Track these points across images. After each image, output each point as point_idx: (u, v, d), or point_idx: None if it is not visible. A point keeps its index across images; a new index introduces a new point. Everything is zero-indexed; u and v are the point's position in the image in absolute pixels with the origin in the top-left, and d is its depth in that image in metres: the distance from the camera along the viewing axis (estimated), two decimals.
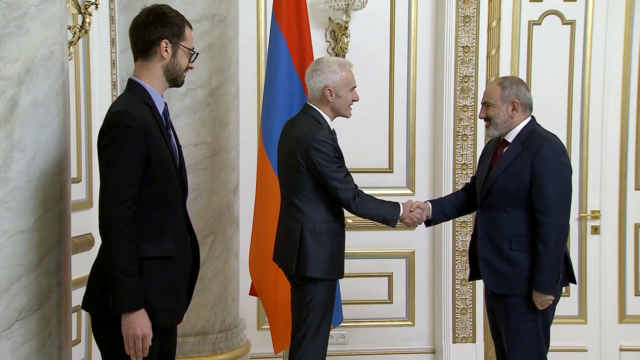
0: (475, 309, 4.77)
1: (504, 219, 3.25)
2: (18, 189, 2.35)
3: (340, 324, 4.06)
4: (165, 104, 2.57)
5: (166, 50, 2.48)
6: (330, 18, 4.75)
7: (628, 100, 4.89)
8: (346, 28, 4.69)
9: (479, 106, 3.46)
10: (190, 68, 2.59)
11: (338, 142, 3.30)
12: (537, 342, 3.24)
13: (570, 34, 4.84)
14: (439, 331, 4.85)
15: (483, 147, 3.65)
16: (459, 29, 4.70)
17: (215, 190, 4.06)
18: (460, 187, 4.25)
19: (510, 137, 3.30)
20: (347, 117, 3.41)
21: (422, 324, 4.96)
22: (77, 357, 3.60)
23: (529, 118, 3.32)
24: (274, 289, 3.90)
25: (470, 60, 4.72)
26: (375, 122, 4.84)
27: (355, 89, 3.36)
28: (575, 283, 3.43)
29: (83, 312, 3.35)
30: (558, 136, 3.32)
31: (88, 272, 2.49)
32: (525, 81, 3.49)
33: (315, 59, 3.55)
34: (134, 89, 2.49)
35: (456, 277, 4.77)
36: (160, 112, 2.51)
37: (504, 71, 4.70)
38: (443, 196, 4.24)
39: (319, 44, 4.66)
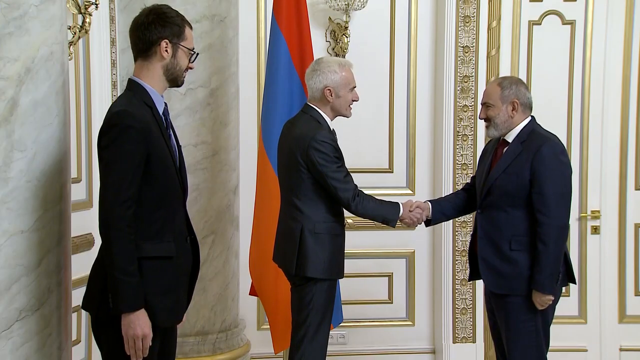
0: (475, 309, 4.77)
1: (503, 219, 3.25)
2: (18, 189, 2.35)
3: (340, 324, 4.07)
4: (165, 104, 2.57)
5: (166, 50, 2.48)
6: (330, 18, 4.75)
7: (628, 100, 4.89)
8: (346, 28, 4.69)
9: (479, 106, 3.46)
10: (191, 68, 2.59)
11: (338, 142, 3.30)
12: (536, 342, 3.24)
13: (570, 34, 4.84)
14: (439, 331, 4.85)
15: (483, 147, 3.66)
16: (459, 29, 4.70)
17: (215, 190, 4.06)
18: (460, 187, 4.25)
19: (510, 137, 3.30)
20: (347, 117, 3.41)
21: (422, 324, 4.96)
22: (77, 357, 3.60)
23: (529, 118, 3.32)
24: (274, 289, 3.90)
25: (470, 60, 4.72)
26: (375, 122, 4.84)
27: (355, 89, 3.36)
28: (575, 283, 3.43)
29: (83, 312, 3.35)
30: (558, 136, 3.32)
31: (88, 272, 2.49)
32: (525, 81, 3.49)
33: (315, 59, 3.55)
34: (134, 89, 2.49)
35: (456, 277, 4.77)
36: (160, 112, 2.51)
37: (504, 71, 4.70)
38: (443, 196, 4.24)
39: (319, 44, 4.66)
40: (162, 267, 2.43)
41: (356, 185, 3.27)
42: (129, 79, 2.53)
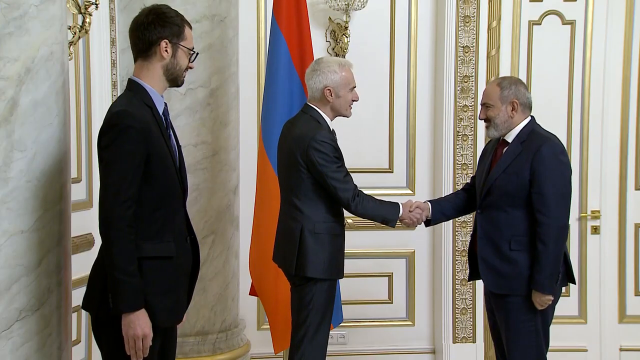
0: (475, 309, 4.77)
1: (503, 219, 3.25)
2: (18, 189, 2.35)
3: (340, 324, 4.07)
4: (165, 104, 2.57)
5: (166, 50, 2.48)
6: (330, 18, 4.75)
7: (628, 100, 4.89)
8: (346, 28, 4.69)
9: (479, 106, 3.46)
10: (190, 68, 2.59)
11: (338, 142, 3.30)
12: (536, 342, 3.24)
13: (570, 34, 4.84)
14: (439, 331, 4.85)
15: (483, 147, 3.66)
16: (459, 29, 4.70)
17: (215, 190, 4.06)
18: (460, 187, 4.25)
19: (510, 137, 3.30)
20: (347, 117, 3.41)
21: (422, 324, 4.96)
22: (77, 357, 3.60)
23: (529, 118, 3.32)
24: (274, 289, 3.90)
25: (470, 60, 4.72)
26: (375, 122, 4.84)
27: (355, 89, 3.36)
28: (575, 283, 3.43)
29: (83, 312, 3.35)
30: (558, 136, 3.32)
31: (88, 272, 2.49)
32: (525, 81, 3.50)
33: (315, 59, 3.55)
34: (134, 89, 2.49)
35: (456, 277, 4.77)
36: (160, 112, 2.51)
37: (504, 71, 4.70)
38: (443, 196, 4.24)
39: (319, 44, 4.66)
40: (162, 267, 2.43)
41: (356, 185, 3.27)
42: (129, 79, 2.53)
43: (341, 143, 3.33)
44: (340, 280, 3.41)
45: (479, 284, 4.09)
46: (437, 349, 4.90)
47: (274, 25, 3.97)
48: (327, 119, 3.32)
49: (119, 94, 3.49)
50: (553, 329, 3.35)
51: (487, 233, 3.30)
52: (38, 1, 2.40)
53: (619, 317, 4.95)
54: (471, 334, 4.80)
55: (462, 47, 4.71)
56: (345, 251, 3.36)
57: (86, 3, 3.54)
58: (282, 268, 3.40)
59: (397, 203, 3.42)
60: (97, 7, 3.58)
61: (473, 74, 4.72)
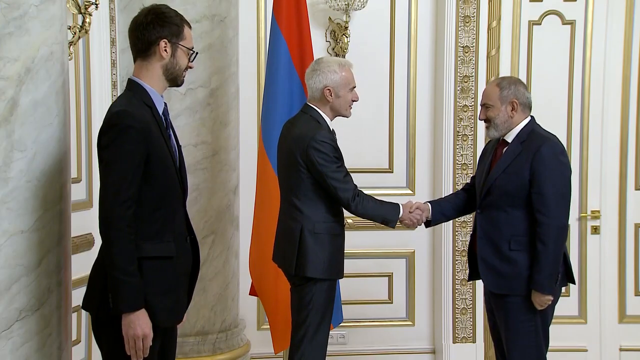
0: (475, 309, 4.77)
1: (503, 219, 3.25)
2: (18, 189, 2.35)
3: (340, 324, 4.07)
4: (165, 104, 2.57)
5: (165, 50, 2.48)
6: (330, 18, 4.75)
7: (628, 100, 4.89)
8: (346, 28, 4.69)
9: (479, 106, 3.46)
10: (190, 67, 2.59)
11: (338, 142, 3.30)
12: (536, 342, 3.24)
13: (570, 34, 4.84)
14: (439, 331, 4.85)
15: (483, 147, 3.65)
16: (459, 29, 4.70)
17: (215, 190, 4.06)
18: (460, 187, 4.25)
19: (509, 137, 3.30)
20: (347, 117, 3.41)
21: (422, 324, 4.96)
22: (77, 357, 3.60)
23: (529, 118, 3.32)
24: (274, 289, 3.91)
25: (470, 60, 4.72)
26: (375, 122, 4.84)
27: (355, 89, 3.36)
28: (574, 283, 3.44)
29: (83, 312, 3.35)
30: (558, 136, 3.32)
31: (88, 272, 2.49)
32: (525, 81, 3.50)
33: (315, 59, 3.55)
34: (133, 89, 2.49)
35: (456, 277, 4.77)
36: (160, 112, 2.51)
37: (504, 71, 4.70)
38: (443, 197, 4.24)
39: (319, 44, 4.66)
40: (162, 267, 2.43)
41: (356, 185, 3.27)
42: (129, 79, 2.53)
43: (341, 143, 3.33)
44: (340, 280, 3.41)
45: (479, 284, 4.09)
46: (437, 349, 4.90)
47: (274, 25, 3.97)
48: (327, 119, 3.32)
49: (119, 94, 3.49)
50: (553, 329, 3.35)
51: (486, 233, 3.30)
52: (38, 1, 2.40)
53: (619, 317, 4.95)
54: (471, 334, 4.80)
55: (462, 47, 4.71)
56: (345, 251, 3.36)
57: (86, 3, 3.54)
58: (282, 268, 3.40)
59: (397, 204, 3.42)
60: (97, 7, 3.58)
61: (473, 74, 4.72)
